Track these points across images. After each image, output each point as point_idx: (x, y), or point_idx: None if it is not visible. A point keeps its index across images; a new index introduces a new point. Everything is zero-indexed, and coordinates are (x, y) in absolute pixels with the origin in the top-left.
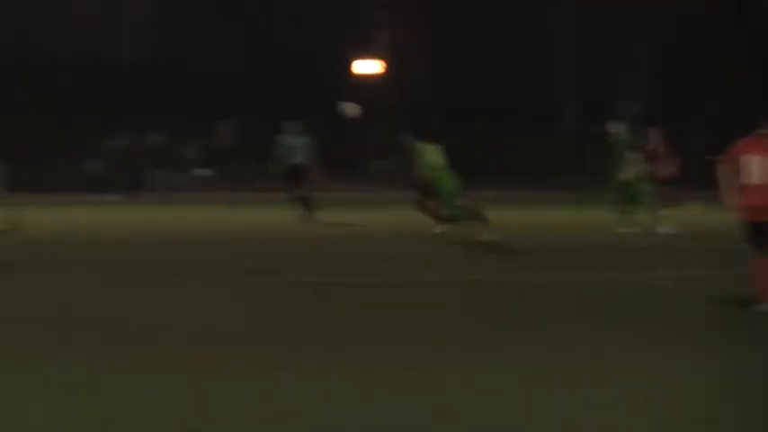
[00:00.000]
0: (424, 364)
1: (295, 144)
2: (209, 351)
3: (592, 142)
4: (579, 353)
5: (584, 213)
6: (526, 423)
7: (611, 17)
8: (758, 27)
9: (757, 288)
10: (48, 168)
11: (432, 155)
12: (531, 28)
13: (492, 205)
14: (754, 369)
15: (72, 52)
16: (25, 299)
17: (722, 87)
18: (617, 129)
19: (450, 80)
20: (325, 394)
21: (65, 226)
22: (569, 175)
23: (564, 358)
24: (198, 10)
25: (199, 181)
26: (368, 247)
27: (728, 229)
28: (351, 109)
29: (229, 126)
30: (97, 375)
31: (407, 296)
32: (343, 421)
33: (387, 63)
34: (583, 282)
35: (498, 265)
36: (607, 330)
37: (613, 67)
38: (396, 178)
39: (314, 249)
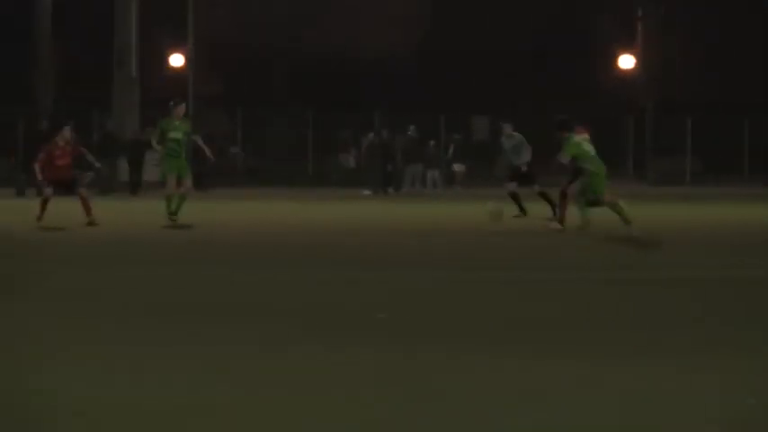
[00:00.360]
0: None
1: (514, 143)
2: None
3: None
4: None
5: None
6: None
7: None
8: None
9: None
10: (304, 163)
11: (586, 145)
12: None
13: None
14: None
15: (328, 46)
16: (275, 289)
17: None
18: None
19: (708, 76)
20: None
21: (308, 220)
22: None
23: None
24: (457, 8)
25: (456, 177)
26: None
27: None
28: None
29: (486, 122)
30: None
31: (611, 293)
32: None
33: (643, 59)
34: None
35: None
36: None
37: None
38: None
39: (532, 246)
